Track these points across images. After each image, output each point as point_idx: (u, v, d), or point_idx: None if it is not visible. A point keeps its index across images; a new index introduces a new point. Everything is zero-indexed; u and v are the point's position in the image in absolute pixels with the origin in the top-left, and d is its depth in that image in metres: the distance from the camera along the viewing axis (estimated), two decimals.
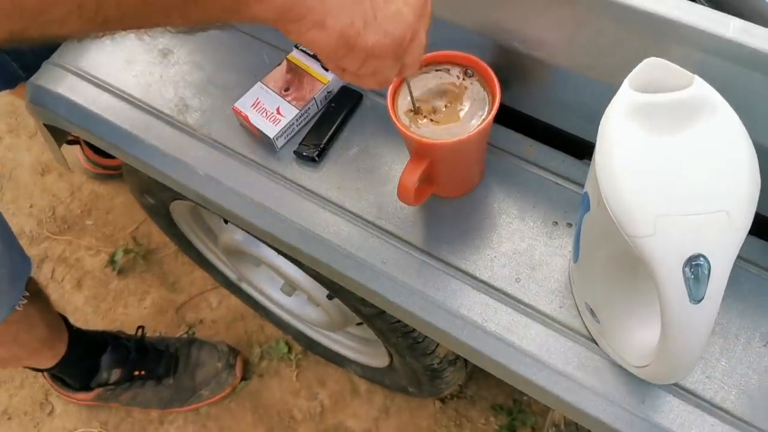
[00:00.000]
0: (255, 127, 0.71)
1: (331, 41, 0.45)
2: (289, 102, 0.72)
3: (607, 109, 0.47)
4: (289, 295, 1.15)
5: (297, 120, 0.72)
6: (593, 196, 0.48)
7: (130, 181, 1.05)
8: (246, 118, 0.72)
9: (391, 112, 0.59)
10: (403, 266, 0.65)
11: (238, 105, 0.73)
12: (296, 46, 0.76)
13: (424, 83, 0.61)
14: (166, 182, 0.78)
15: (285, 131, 0.72)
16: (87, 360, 1.22)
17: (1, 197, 1.49)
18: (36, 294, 1.05)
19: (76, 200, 1.48)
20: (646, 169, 0.44)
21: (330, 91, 0.74)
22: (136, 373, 1.25)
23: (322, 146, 0.71)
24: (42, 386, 1.32)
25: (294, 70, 0.74)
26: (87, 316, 1.38)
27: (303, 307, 1.18)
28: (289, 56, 0.75)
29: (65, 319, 1.17)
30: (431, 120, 0.60)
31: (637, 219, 0.43)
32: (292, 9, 0.43)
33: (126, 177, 1.05)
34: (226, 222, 1.06)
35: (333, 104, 0.74)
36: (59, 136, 0.91)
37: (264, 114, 0.72)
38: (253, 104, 0.73)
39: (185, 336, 1.34)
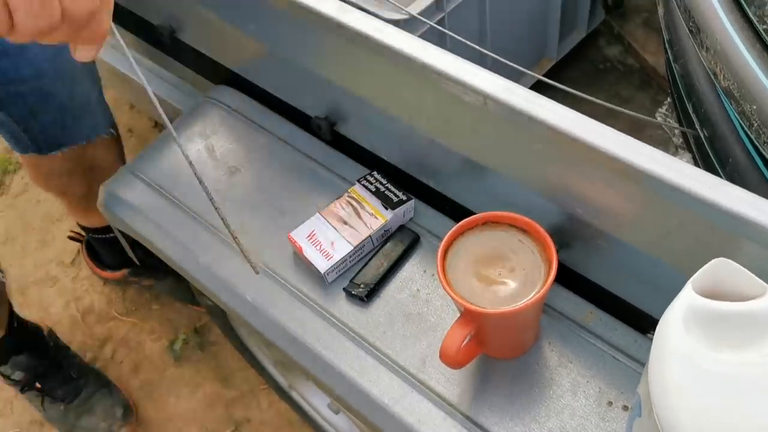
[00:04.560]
0: (308, 259, 0.70)
1: None
2: (344, 237, 0.71)
3: (666, 312, 0.43)
4: (336, 413, 1.12)
5: (350, 256, 0.71)
6: (645, 403, 0.44)
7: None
8: (300, 249, 0.71)
9: (440, 270, 0.57)
10: (439, 429, 0.61)
11: (293, 234, 0.72)
12: (359, 180, 0.75)
13: (479, 244, 0.58)
14: (216, 302, 0.78)
15: (337, 267, 0.70)
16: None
17: (78, 274, 1.54)
18: None
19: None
20: (705, 392, 0.39)
21: (387, 230, 0.72)
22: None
23: (372, 287, 0.69)
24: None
25: (354, 204, 0.73)
26: (141, 401, 1.38)
27: (351, 427, 1.14)
28: (351, 189, 0.75)
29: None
30: (484, 283, 0.57)
31: None
32: None
33: None
34: None
35: (389, 243, 0.72)
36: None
37: (318, 247, 0.71)
38: (309, 235, 0.72)
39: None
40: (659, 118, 1.18)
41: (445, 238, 0.58)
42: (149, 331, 1.46)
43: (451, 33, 0.75)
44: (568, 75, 1.31)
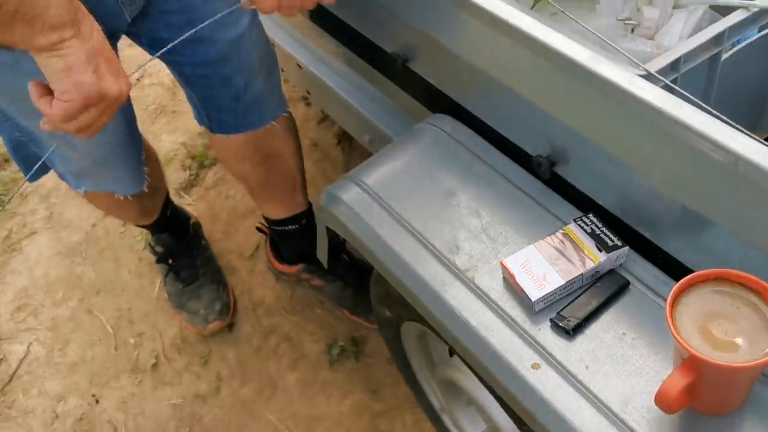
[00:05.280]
0: (519, 285, 0.74)
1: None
2: (557, 271, 0.75)
3: None
4: None
5: (561, 290, 0.74)
6: None
7: (375, 290, 1.13)
8: (512, 276, 0.75)
9: (668, 315, 0.59)
10: None
11: (507, 261, 0.77)
12: (575, 220, 0.79)
13: (707, 299, 0.60)
14: (418, 308, 0.83)
15: (547, 297, 0.74)
16: None
17: (254, 268, 1.66)
18: None
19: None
20: None
21: (598, 271, 0.75)
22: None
23: (579, 322, 0.72)
24: None
25: (568, 242, 0.77)
26: (293, 397, 1.47)
27: None
28: (566, 227, 0.78)
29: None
30: (707, 337, 0.58)
31: None
32: None
33: (372, 286, 1.13)
34: (451, 355, 1.09)
35: (598, 284, 0.75)
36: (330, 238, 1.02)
37: (531, 276, 0.75)
38: (523, 264, 0.76)
39: None
40: None
41: (676, 287, 0.60)
42: (310, 332, 1.55)
43: (684, 92, 0.78)
44: None
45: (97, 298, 1.68)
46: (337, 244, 1.43)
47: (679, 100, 0.64)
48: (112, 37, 0.97)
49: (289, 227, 1.46)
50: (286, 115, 1.26)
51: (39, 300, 1.69)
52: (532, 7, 1.00)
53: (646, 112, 0.65)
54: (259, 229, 1.58)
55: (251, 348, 1.54)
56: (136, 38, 1.05)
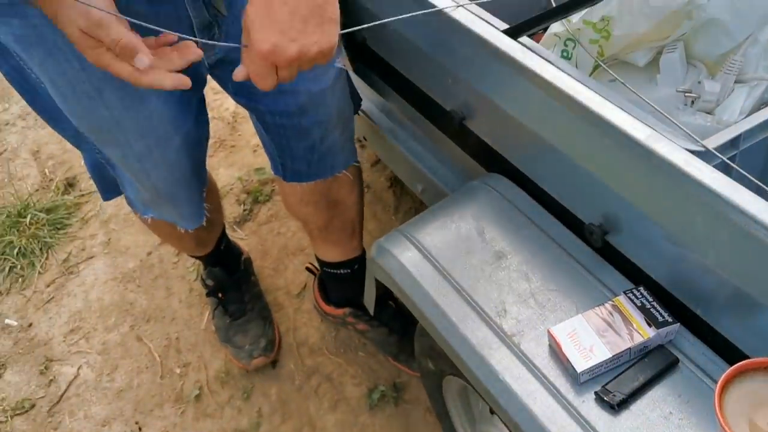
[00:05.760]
0: (565, 355, 0.74)
1: None
2: (604, 344, 0.74)
3: None
4: None
5: (607, 363, 0.74)
6: None
7: (419, 343, 1.13)
8: (559, 345, 0.75)
9: (717, 405, 0.58)
10: None
11: (554, 330, 0.77)
12: (625, 292, 0.78)
13: (760, 389, 0.59)
14: (461, 368, 0.84)
15: (592, 370, 0.73)
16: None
17: (300, 306, 1.68)
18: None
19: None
20: None
21: (646, 346, 0.75)
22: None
23: (624, 398, 0.71)
24: None
25: (617, 314, 0.76)
26: None
27: None
28: (615, 299, 0.78)
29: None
30: (760, 429, 0.57)
31: None
32: None
33: (417, 338, 1.14)
34: (492, 413, 1.08)
35: (646, 359, 0.74)
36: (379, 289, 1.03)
37: (577, 347, 0.75)
38: (570, 334, 0.76)
39: None
40: None
41: (725, 375, 0.60)
42: (352, 375, 1.56)
43: (742, 170, 0.77)
44: None
45: (147, 325, 1.72)
46: (385, 291, 1.45)
47: (736, 184, 0.64)
48: (197, 83, 1.01)
49: (342, 271, 1.48)
50: (356, 164, 1.28)
51: (92, 324, 1.75)
52: (591, 74, 1.01)
53: (702, 193, 0.66)
54: (308, 269, 1.61)
55: (293, 386, 1.55)
56: (221, 83, 1.10)
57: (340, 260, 1.46)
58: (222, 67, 1.02)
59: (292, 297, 1.71)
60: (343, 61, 0.81)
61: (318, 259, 1.52)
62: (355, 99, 1.27)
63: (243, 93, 0.86)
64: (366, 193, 1.89)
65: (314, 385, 1.55)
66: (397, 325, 1.50)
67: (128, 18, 0.71)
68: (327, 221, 1.35)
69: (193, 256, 1.61)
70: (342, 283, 1.51)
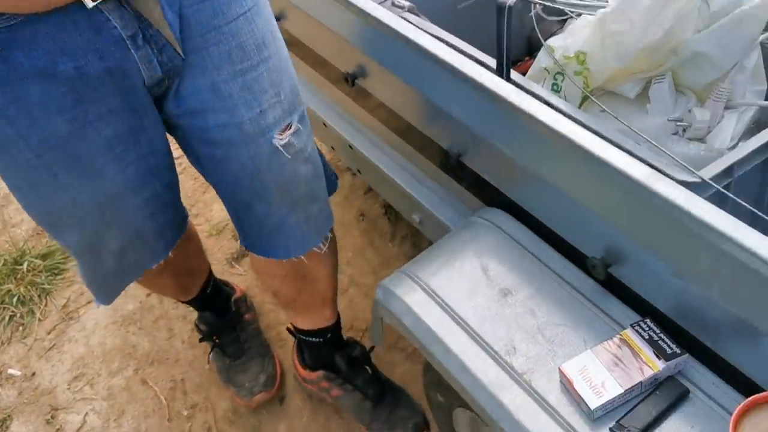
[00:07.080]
0: (578, 393, 0.75)
1: None
2: (615, 379, 0.76)
3: None
4: None
5: (620, 398, 0.75)
6: None
7: (427, 377, 1.14)
8: (571, 383, 0.76)
9: None
10: None
11: (565, 367, 0.78)
12: (632, 325, 0.80)
13: None
14: (474, 408, 0.85)
15: (606, 406, 0.74)
16: None
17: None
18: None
19: None
20: None
21: (657, 378, 0.76)
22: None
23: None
24: None
25: (626, 348, 0.78)
26: None
27: None
28: (623, 333, 0.79)
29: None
30: None
31: None
32: None
33: (425, 372, 1.15)
34: None
35: (658, 391, 0.75)
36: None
37: (589, 383, 0.76)
38: (581, 370, 0.77)
39: None
40: None
41: (739, 408, 0.61)
42: None
43: (737, 199, 0.79)
44: None
45: (152, 368, 1.71)
46: (363, 354, 1.45)
47: (736, 220, 0.66)
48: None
49: (314, 339, 1.45)
50: (325, 241, 1.18)
51: (95, 369, 1.74)
52: (580, 106, 1.02)
53: (704, 231, 0.67)
54: (289, 331, 1.54)
55: (301, 422, 1.55)
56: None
57: (312, 329, 1.43)
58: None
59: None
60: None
61: (292, 324, 1.49)
62: (330, 178, 1.19)
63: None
64: (361, 222, 1.91)
65: (322, 421, 1.55)
66: (371, 392, 1.45)
67: None
68: (296, 294, 1.31)
69: (180, 302, 1.61)
70: (316, 350, 1.48)
